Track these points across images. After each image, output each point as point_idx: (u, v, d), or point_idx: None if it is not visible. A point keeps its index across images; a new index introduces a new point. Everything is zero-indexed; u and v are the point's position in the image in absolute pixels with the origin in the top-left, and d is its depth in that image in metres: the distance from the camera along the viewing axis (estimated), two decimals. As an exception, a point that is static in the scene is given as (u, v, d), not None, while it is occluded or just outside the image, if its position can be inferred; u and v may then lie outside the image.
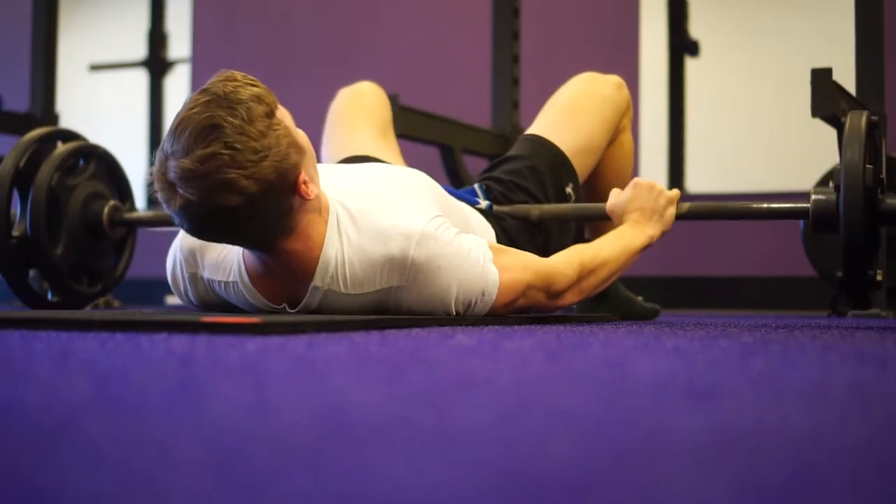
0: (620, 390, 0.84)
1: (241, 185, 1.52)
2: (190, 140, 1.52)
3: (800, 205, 2.06)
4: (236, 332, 1.35)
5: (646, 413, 0.70)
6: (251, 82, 1.58)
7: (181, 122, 1.54)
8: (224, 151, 1.51)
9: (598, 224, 2.38)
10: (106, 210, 2.47)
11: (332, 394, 0.78)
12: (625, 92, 2.35)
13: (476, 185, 2.21)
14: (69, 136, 2.55)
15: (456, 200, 2.02)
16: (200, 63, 5.33)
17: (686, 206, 2.12)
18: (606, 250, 1.96)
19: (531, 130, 2.32)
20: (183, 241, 1.78)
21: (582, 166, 2.28)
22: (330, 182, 1.76)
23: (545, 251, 2.12)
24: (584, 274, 1.91)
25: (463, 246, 1.72)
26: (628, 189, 2.05)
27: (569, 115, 2.31)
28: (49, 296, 2.48)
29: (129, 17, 5.63)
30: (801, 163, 4.34)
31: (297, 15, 5.20)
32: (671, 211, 2.05)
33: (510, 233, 2.11)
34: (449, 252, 1.69)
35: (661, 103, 4.65)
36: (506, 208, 2.16)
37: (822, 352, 1.25)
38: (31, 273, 2.45)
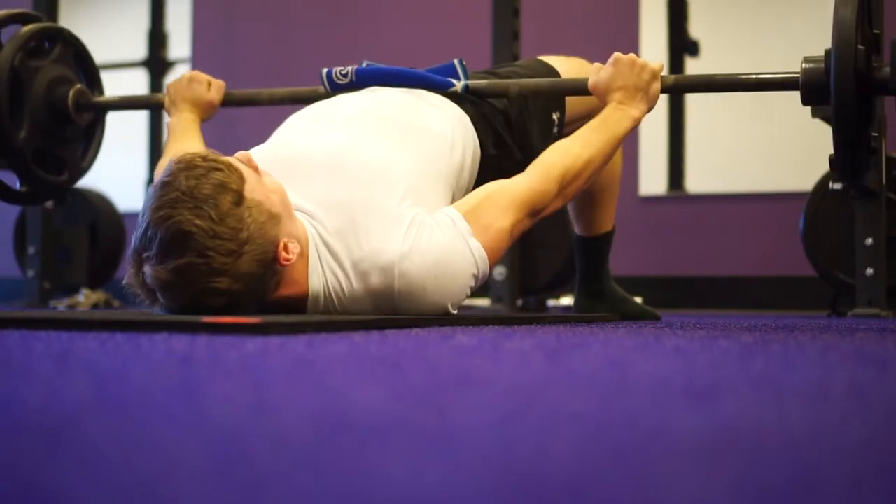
0: (620, 390, 0.84)
1: (222, 288, 1.52)
2: (161, 248, 1.50)
3: (790, 74, 2.00)
4: (236, 332, 1.35)
5: (646, 413, 0.70)
6: (213, 165, 1.54)
7: (150, 223, 1.51)
8: (198, 261, 1.49)
9: (585, 206, 2.36)
10: (71, 93, 2.38)
11: (332, 394, 0.78)
12: None
13: (456, 60, 2.15)
14: (32, 17, 2.44)
15: (436, 139, 1.91)
16: (200, 63, 5.32)
17: (671, 78, 2.07)
18: (589, 148, 1.91)
19: (540, 57, 2.31)
20: None
21: (571, 104, 2.23)
22: (295, 188, 1.71)
23: (526, 149, 2.06)
24: (566, 181, 1.87)
25: (441, 242, 1.68)
26: (609, 65, 1.99)
27: (571, 62, 2.30)
28: (18, 186, 2.40)
29: (129, 17, 5.63)
30: (800, 163, 4.34)
31: (297, 15, 5.20)
32: (656, 86, 2.01)
33: (490, 121, 2.06)
34: (431, 263, 1.67)
35: (661, 103, 4.65)
36: (482, 83, 2.10)
37: (822, 352, 1.25)
38: None
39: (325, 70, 2.18)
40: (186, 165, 1.54)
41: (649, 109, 2.02)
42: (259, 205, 1.56)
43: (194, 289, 1.51)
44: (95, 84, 2.50)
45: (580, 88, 2.05)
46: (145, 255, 1.52)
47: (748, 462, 0.53)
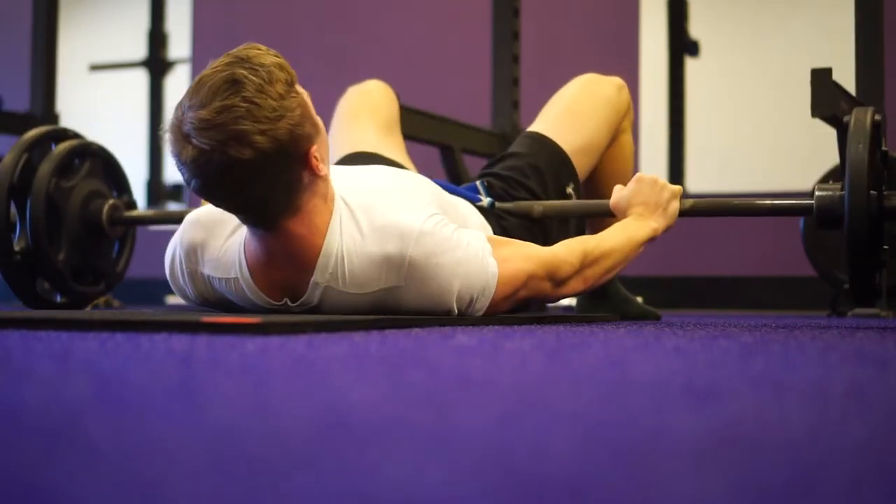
0: (620, 390, 0.84)
1: (254, 140, 1.53)
2: (209, 94, 1.54)
3: (804, 201, 2.05)
4: (236, 332, 1.35)
5: (646, 413, 0.70)
6: (275, 54, 1.61)
7: (202, 78, 1.57)
8: (242, 104, 1.53)
9: (600, 222, 2.38)
10: (105, 209, 2.46)
11: (332, 394, 0.78)
12: (625, 94, 2.35)
13: (478, 182, 2.20)
14: (62, 135, 2.51)
15: (456, 200, 2.02)
16: (200, 63, 5.32)
17: (689, 202, 2.11)
18: (610, 241, 1.96)
19: (532, 128, 2.32)
20: (183, 236, 1.78)
21: (582, 166, 2.28)
22: (332, 178, 1.76)
23: (545, 237, 2.13)
24: (587, 262, 1.91)
25: (462, 240, 1.72)
26: (631, 184, 2.05)
27: (570, 115, 2.31)
28: (57, 297, 2.49)
29: (129, 17, 5.63)
30: (801, 163, 4.34)
31: (298, 15, 5.20)
32: (675, 205, 2.04)
33: (510, 231, 2.11)
34: (447, 248, 1.69)
35: (661, 103, 4.65)
36: (508, 205, 2.16)
37: (822, 352, 1.25)
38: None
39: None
40: (249, 45, 1.61)
41: (667, 227, 2.05)
42: (305, 103, 1.62)
43: (228, 130, 1.53)
44: (124, 190, 2.59)
45: (602, 210, 2.13)
46: (190, 103, 1.56)
47: (748, 462, 0.53)
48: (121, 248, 2.59)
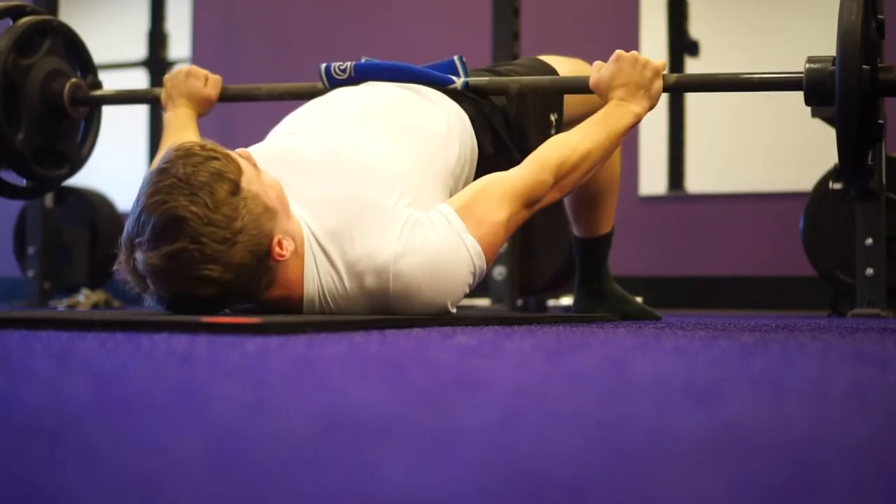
0: (620, 390, 0.84)
1: (213, 278, 1.51)
2: (154, 234, 1.49)
3: (793, 74, 1.98)
4: (236, 332, 1.35)
5: (646, 413, 0.70)
6: (211, 154, 1.54)
7: (143, 209, 1.51)
8: (191, 247, 1.48)
9: (584, 208, 2.35)
10: (67, 88, 2.36)
11: (332, 394, 0.78)
12: None
13: (456, 57, 2.12)
14: (21, 11, 2.40)
15: (433, 135, 1.90)
16: (200, 63, 5.32)
17: (673, 77, 2.05)
18: (587, 141, 1.89)
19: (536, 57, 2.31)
20: None
21: (570, 106, 2.22)
22: (289, 189, 1.69)
23: (524, 148, 2.04)
24: (562, 172, 1.85)
25: (436, 241, 1.67)
26: (611, 63, 1.97)
27: (570, 63, 2.30)
28: (24, 182, 2.40)
29: (129, 17, 5.63)
30: (800, 163, 4.34)
31: (297, 15, 5.20)
32: (658, 84, 1.99)
33: (489, 119, 2.05)
34: (426, 263, 1.65)
35: (661, 104, 4.64)
36: (483, 80, 2.08)
37: (822, 352, 1.25)
38: None
39: (323, 65, 2.18)
40: (185, 153, 1.54)
41: (651, 107, 2.00)
42: (255, 197, 1.55)
43: (185, 276, 1.50)
44: (89, 70, 2.48)
45: (581, 86, 2.03)
46: (137, 240, 1.51)
47: (748, 462, 0.53)
48: (86, 131, 2.48)
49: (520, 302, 3.70)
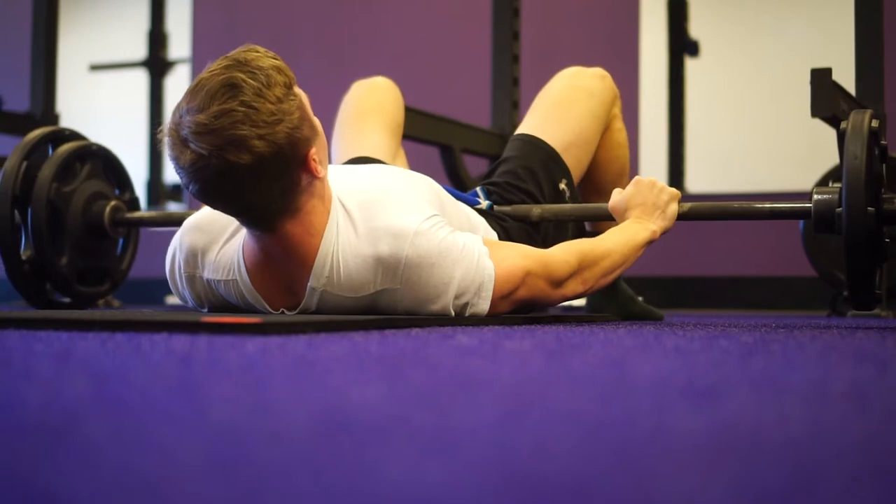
0: (620, 390, 0.84)
1: (252, 144, 1.53)
2: (207, 98, 1.53)
3: (802, 205, 2.05)
4: (236, 332, 1.35)
5: (646, 413, 0.70)
6: (273, 56, 1.61)
7: (199, 82, 1.56)
8: (240, 109, 1.52)
9: (600, 223, 2.38)
10: (107, 211, 2.46)
11: (332, 394, 0.78)
12: (609, 82, 2.36)
13: (478, 188, 2.21)
14: (60, 136, 2.50)
15: (457, 202, 2.02)
16: (200, 63, 5.32)
17: (687, 205, 2.11)
18: (608, 242, 1.96)
19: (520, 130, 2.33)
20: (182, 240, 1.78)
21: (574, 160, 2.28)
22: (331, 179, 1.76)
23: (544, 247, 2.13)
24: (584, 264, 1.90)
25: (457, 241, 1.72)
26: (629, 187, 2.05)
27: (555, 111, 2.31)
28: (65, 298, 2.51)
29: (129, 17, 5.63)
30: (800, 163, 4.34)
31: (298, 15, 5.20)
32: (673, 207, 2.05)
33: (510, 232, 2.11)
34: (443, 248, 1.69)
35: (661, 103, 4.65)
36: (507, 209, 2.16)
37: (822, 352, 1.25)
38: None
39: None
40: (248, 48, 1.60)
41: (666, 229, 2.05)
42: (303, 106, 1.61)
43: (226, 135, 1.52)
44: (126, 187, 2.58)
45: (601, 213, 2.13)
46: (188, 107, 1.55)
47: (748, 462, 0.53)
48: (125, 247, 2.59)
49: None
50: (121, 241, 2.57)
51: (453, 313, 1.72)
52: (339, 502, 0.44)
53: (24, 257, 2.39)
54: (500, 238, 2.07)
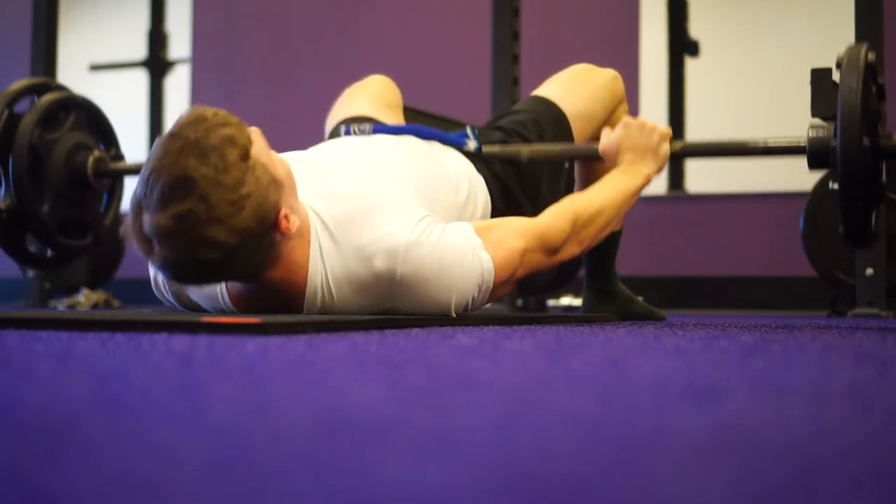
0: (620, 390, 0.84)
1: (220, 241, 1.49)
2: (163, 193, 1.48)
3: (797, 140, 2.00)
4: (236, 332, 1.35)
5: (646, 413, 0.70)
6: (222, 122, 1.54)
7: (153, 171, 1.50)
8: (199, 207, 1.48)
9: (591, 173, 2.37)
10: (91, 161, 2.40)
11: (332, 394, 0.78)
12: (620, 84, 2.36)
13: (468, 127, 2.16)
14: (46, 87, 2.44)
15: (441, 174, 1.96)
16: (200, 63, 5.32)
17: (679, 143, 2.08)
18: (601, 197, 1.93)
19: (536, 92, 2.33)
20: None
21: (578, 132, 2.26)
22: (306, 184, 1.71)
23: (535, 200, 2.09)
24: (579, 224, 1.88)
25: (450, 241, 1.69)
26: (619, 129, 2.02)
27: (571, 85, 2.31)
28: (48, 252, 2.45)
29: (129, 17, 5.63)
30: (800, 163, 4.33)
31: (297, 15, 5.20)
32: (665, 147, 2.02)
33: (500, 178, 2.08)
34: (437, 257, 1.66)
35: (661, 103, 4.65)
36: (495, 148, 2.12)
37: (822, 352, 1.25)
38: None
39: (343, 128, 2.20)
40: (196, 118, 1.53)
41: (659, 170, 2.03)
42: (264, 166, 1.55)
43: (191, 237, 1.48)
44: (111, 142, 2.54)
45: (591, 153, 2.09)
46: (146, 202, 1.51)
47: (748, 462, 0.53)
48: (109, 202, 2.53)
49: (520, 302, 3.70)
50: (105, 196, 2.53)
51: (454, 314, 1.72)
52: (339, 502, 0.44)
53: (2, 206, 2.33)
54: (490, 185, 2.04)
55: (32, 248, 2.47)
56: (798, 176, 4.20)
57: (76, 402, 0.72)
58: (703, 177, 4.64)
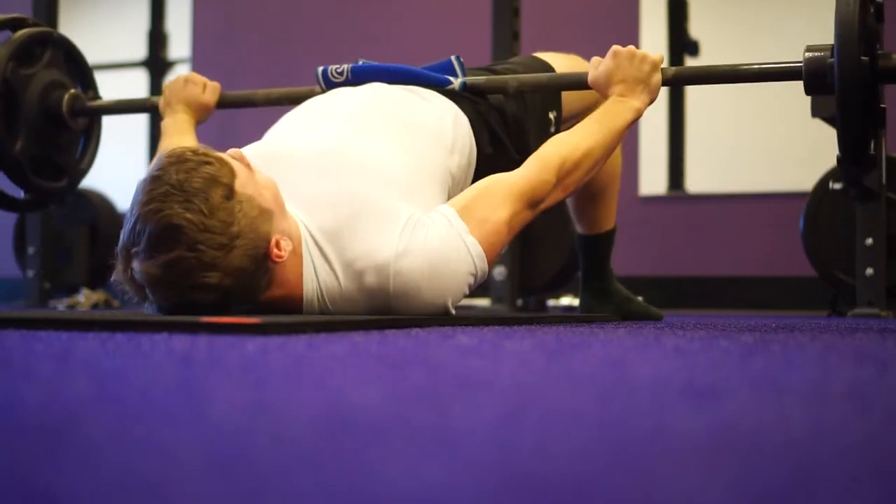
0: (620, 390, 0.84)
1: (213, 284, 1.50)
2: (150, 243, 1.48)
3: (792, 64, 1.95)
4: (236, 332, 1.35)
5: (646, 413, 0.70)
6: (203, 159, 1.53)
7: (138, 219, 1.50)
8: (188, 255, 1.47)
9: (586, 204, 2.35)
10: (66, 98, 2.36)
11: (332, 394, 0.78)
12: None
13: (453, 57, 2.12)
14: (21, 23, 2.40)
15: (424, 129, 1.90)
16: (200, 63, 5.32)
17: (671, 70, 2.01)
18: (589, 139, 1.87)
19: (534, 54, 2.31)
20: None
21: (568, 103, 2.21)
22: (289, 188, 1.68)
23: (524, 153, 2.01)
24: (564, 171, 1.83)
25: (437, 240, 1.66)
26: (608, 59, 1.96)
27: (568, 58, 2.29)
28: (22, 194, 2.41)
29: (129, 17, 5.64)
30: (800, 163, 4.34)
31: (297, 15, 5.20)
32: (657, 77, 1.96)
33: (486, 118, 2.04)
34: (426, 263, 1.65)
35: (661, 103, 4.65)
36: (481, 79, 2.07)
37: (822, 352, 1.25)
38: None
39: (320, 68, 2.17)
40: (177, 159, 1.52)
41: (651, 101, 1.97)
42: (250, 200, 1.54)
43: (184, 284, 1.49)
44: (89, 84, 2.48)
45: (580, 83, 2.02)
46: (134, 250, 1.50)
47: (748, 462, 0.53)
48: (85, 145, 2.48)
49: (520, 302, 3.70)
50: (82, 139, 2.47)
51: (454, 312, 1.72)
52: (339, 502, 0.44)
53: None
54: (475, 127, 1.99)
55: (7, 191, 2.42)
56: (798, 176, 4.21)
57: (76, 402, 0.72)
58: (703, 177, 4.64)
